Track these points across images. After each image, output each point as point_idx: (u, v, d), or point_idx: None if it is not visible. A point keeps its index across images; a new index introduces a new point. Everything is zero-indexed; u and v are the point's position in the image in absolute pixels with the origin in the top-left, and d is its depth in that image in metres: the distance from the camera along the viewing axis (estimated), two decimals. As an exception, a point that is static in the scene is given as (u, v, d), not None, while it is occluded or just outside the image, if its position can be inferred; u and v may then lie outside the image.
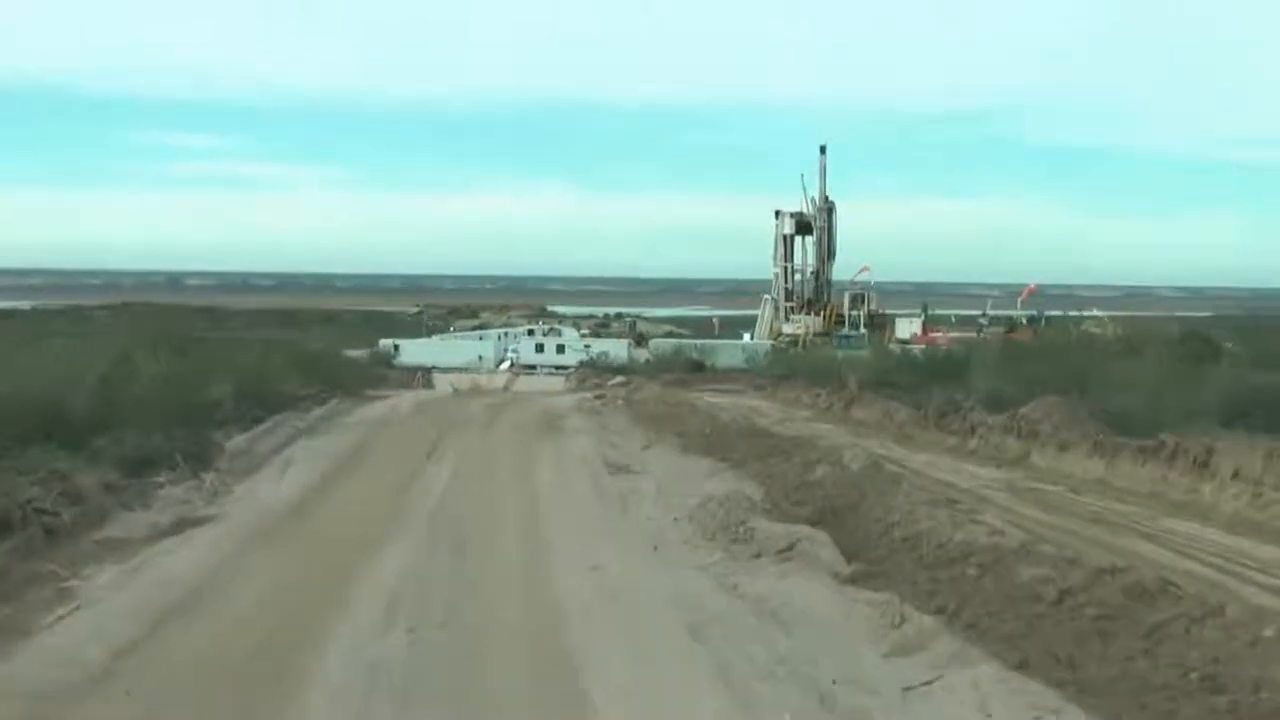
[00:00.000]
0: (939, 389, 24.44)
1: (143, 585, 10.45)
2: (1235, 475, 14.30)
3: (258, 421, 22.70)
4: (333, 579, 10.72)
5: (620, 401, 31.30)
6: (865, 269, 53.17)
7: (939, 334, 49.80)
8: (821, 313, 51.29)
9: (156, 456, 16.62)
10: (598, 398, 33.10)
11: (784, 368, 38.42)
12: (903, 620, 8.85)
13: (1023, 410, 20.05)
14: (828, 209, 51.66)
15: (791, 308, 51.78)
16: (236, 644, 8.75)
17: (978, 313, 58.20)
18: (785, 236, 52.19)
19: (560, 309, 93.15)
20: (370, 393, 33.75)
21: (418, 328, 60.43)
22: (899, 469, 16.11)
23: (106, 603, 9.74)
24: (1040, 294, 63.33)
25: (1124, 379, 22.14)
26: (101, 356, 20.31)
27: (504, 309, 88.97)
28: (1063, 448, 18.21)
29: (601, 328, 65.34)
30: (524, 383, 40.93)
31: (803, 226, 51.89)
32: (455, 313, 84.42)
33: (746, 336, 52.40)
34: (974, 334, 48.72)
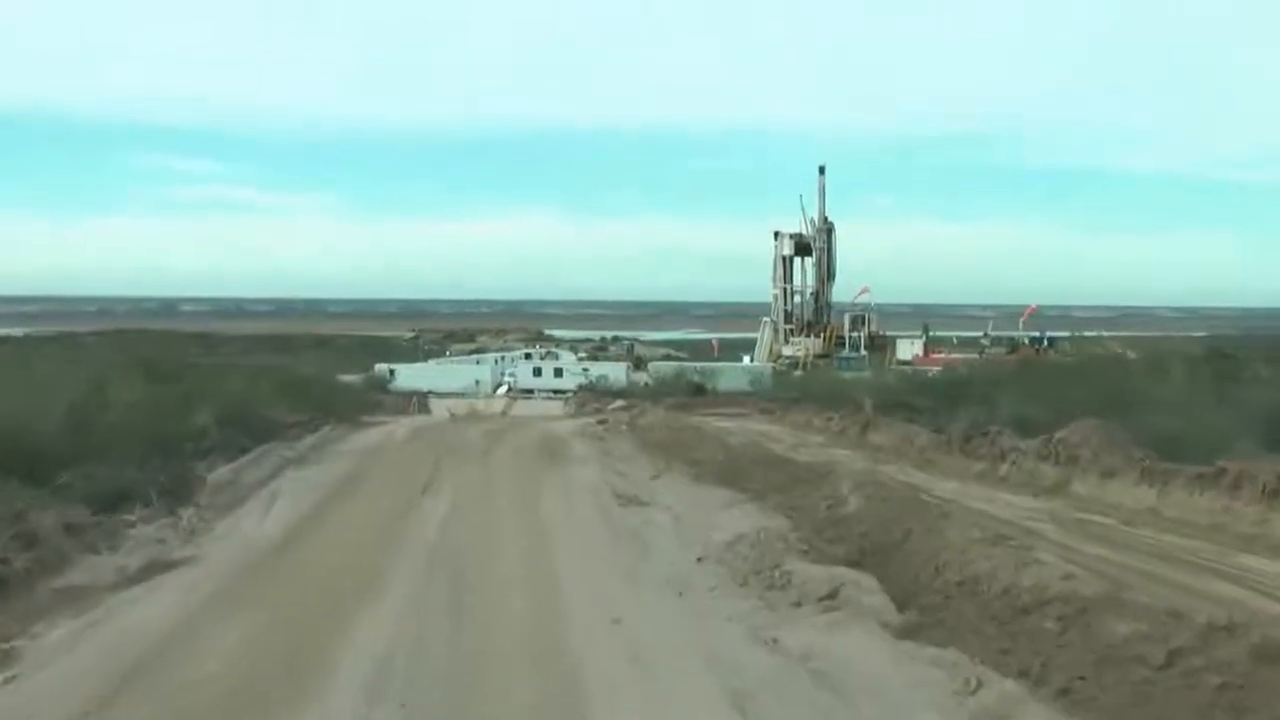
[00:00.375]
0: (963, 412, 23.16)
1: (98, 645, 9.13)
2: (1309, 505, 13.05)
3: (244, 451, 21.43)
4: (314, 640, 9.38)
5: (624, 427, 30.06)
6: (865, 290, 52.34)
7: (941, 355, 48.85)
8: (821, 334, 50.43)
9: (131, 491, 15.35)
10: (600, 422, 31.85)
11: (792, 391, 37.26)
12: (978, 685, 7.59)
13: (1059, 434, 18.75)
14: (827, 229, 50.83)
15: (791, 330, 50.94)
16: None
17: (978, 334, 57.46)
18: (784, 258, 51.41)
19: (557, 332, 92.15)
20: (365, 419, 32.84)
21: (414, 352, 59.48)
22: (935, 499, 14.82)
23: (52, 668, 8.42)
24: (1039, 315, 62.53)
25: (1162, 400, 20.85)
26: (74, 383, 18.97)
27: (500, 333, 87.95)
28: (1106, 475, 16.93)
29: (599, 351, 64.35)
30: (522, 407, 40.00)
31: (802, 248, 51.12)
32: (451, 337, 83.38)
33: (746, 359, 51.58)
34: (976, 355, 47.77)
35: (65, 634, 9.44)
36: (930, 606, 9.74)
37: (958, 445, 21.64)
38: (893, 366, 45.84)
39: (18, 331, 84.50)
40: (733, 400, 38.93)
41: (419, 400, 39.46)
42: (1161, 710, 6.89)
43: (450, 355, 57.66)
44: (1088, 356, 34.09)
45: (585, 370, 45.96)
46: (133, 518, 14.20)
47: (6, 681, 8.07)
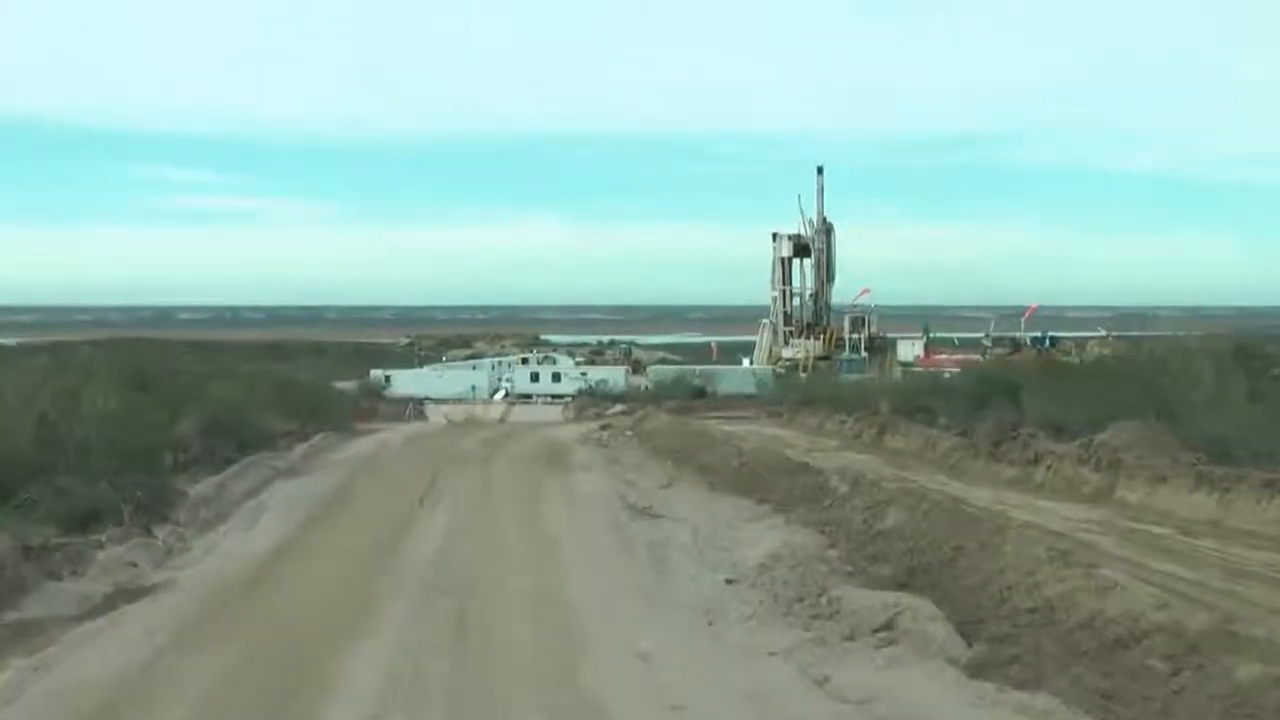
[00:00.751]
0: (988, 414, 21.96)
1: (46, 692, 7.91)
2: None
3: (230, 462, 20.25)
4: (295, 686, 8.13)
5: (628, 432, 28.86)
6: (866, 291, 51.16)
7: (943, 356, 47.80)
8: (821, 336, 49.24)
9: (102, 508, 14.13)
10: (604, 428, 30.65)
11: (796, 393, 36.15)
12: (1084, 741, 6.38)
13: (1100, 437, 17.56)
14: (826, 230, 49.65)
15: (791, 332, 49.76)
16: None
17: (979, 335, 56.45)
18: (783, 259, 50.23)
19: (553, 337, 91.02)
20: (361, 426, 31.73)
21: (410, 359, 58.42)
22: (980, 510, 13.58)
23: (-11, 725, 7.23)
24: (1038, 314, 61.65)
25: (1199, 401, 19.64)
26: (46, 392, 17.69)
27: (497, 338, 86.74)
28: (1155, 480, 15.73)
29: (596, 355, 63.25)
30: (520, 413, 39.05)
31: (801, 249, 49.95)
32: (447, 343, 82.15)
33: (746, 361, 50.50)
34: (979, 356, 46.74)
35: (11, 678, 8.23)
36: (1001, 638, 8.52)
37: (985, 449, 20.47)
38: (893, 368, 44.88)
39: (11, 340, 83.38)
40: (735, 403, 38.03)
41: (415, 407, 38.50)
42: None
43: (447, 361, 56.57)
44: (1116, 356, 32.88)
45: (584, 375, 44.90)
46: (102, 538, 12.99)
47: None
